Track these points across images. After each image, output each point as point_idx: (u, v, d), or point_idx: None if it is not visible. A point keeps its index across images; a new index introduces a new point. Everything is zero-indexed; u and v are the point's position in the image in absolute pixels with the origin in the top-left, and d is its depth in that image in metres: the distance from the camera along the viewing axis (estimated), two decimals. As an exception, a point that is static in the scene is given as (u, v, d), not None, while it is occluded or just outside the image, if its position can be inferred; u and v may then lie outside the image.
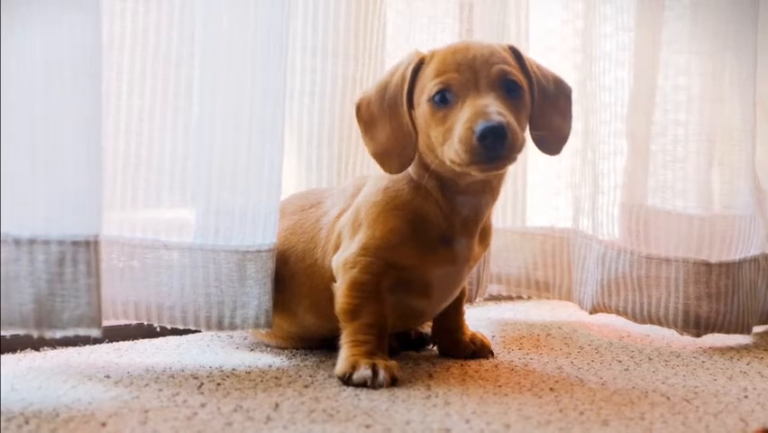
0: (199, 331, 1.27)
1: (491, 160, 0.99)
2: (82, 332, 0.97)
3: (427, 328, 1.28)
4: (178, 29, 1.14)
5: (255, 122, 1.12)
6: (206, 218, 1.14)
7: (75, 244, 0.97)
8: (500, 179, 1.12)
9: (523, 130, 1.06)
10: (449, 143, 1.01)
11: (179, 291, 1.13)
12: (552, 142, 1.12)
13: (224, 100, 1.12)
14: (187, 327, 1.15)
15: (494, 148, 0.98)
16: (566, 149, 1.54)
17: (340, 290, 1.09)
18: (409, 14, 1.48)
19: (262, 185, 1.14)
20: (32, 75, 0.95)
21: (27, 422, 0.86)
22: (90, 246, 0.98)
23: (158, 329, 1.24)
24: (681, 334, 1.39)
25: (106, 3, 1.11)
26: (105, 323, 1.23)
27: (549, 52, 1.60)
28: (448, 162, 1.03)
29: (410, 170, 1.11)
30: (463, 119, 1.00)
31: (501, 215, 1.59)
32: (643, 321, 1.40)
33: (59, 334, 0.97)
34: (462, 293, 1.23)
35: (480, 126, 0.97)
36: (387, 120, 1.09)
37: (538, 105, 1.09)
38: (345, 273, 1.09)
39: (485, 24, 1.44)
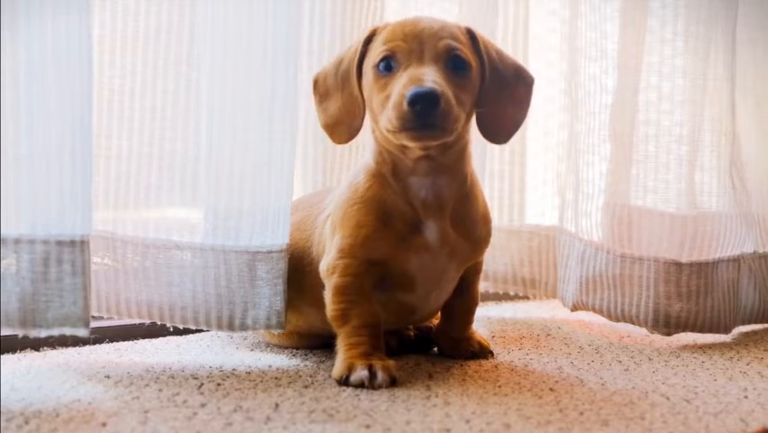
0: (202, 331, 1.26)
1: (421, 127, 0.99)
2: (68, 331, 0.97)
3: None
4: (189, 29, 1.15)
5: (265, 121, 1.12)
6: (216, 218, 1.14)
7: (59, 243, 0.97)
8: (455, 158, 1.09)
9: (465, 109, 1.05)
10: (385, 111, 1.01)
11: (191, 292, 1.13)
12: (500, 129, 1.12)
13: (234, 99, 1.12)
14: (198, 328, 1.15)
15: (424, 115, 0.98)
16: (562, 148, 1.56)
17: (327, 297, 1.10)
18: (406, 15, 1.48)
19: (272, 185, 1.14)
20: (17, 74, 0.95)
21: (27, 422, 0.86)
22: (76, 246, 0.98)
23: (158, 329, 1.24)
24: (652, 333, 1.39)
25: (120, 2, 1.12)
26: (117, 322, 1.24)
27: (549, 52, 1.60)
28: (384, 131, 1.03)
29: (370, 157, 1.11)
30: (399, 85, 1.00)
31: (498, 213, 1.59)
32: (617, 319, 1.41)
33: (44, 333, 0.97)
34: (472, 302, 1.22)
35: (410, 91, 0.97)
36: (339, 92, 1.10)
37: (489, 89, 1.09)
38: (328, 280, 1.09)
39: (484, 23, 1.43)
